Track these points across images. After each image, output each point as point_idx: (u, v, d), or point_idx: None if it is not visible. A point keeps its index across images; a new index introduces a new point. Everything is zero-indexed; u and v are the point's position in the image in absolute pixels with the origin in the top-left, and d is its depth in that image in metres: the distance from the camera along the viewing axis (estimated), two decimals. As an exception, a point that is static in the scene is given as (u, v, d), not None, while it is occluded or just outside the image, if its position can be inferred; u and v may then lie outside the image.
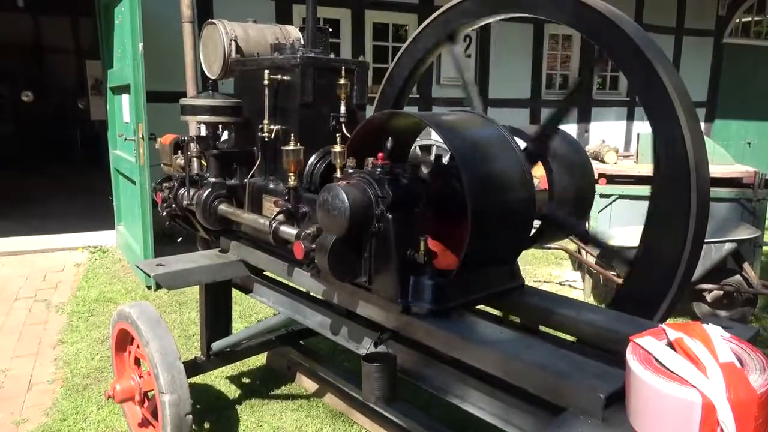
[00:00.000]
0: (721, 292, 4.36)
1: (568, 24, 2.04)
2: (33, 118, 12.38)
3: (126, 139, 5.26)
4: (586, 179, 2.21)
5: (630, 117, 10.01)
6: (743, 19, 10.93)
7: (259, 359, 3.68)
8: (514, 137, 1.94)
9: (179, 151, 2.81)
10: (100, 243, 6.37)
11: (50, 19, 13.25)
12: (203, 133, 2.67)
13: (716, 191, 4.60)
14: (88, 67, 10.19)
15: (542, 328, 2.00)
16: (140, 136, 4.80)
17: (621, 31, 1.85)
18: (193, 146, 2.61)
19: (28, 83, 12.52)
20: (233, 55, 2.61)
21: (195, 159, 2.63)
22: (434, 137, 6.88)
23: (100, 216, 6.82)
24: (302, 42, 2.58)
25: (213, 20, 2.69)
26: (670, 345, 1.23)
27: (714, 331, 1.23)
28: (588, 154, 5.74)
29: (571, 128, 9.28)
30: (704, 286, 4.33)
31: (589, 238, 2.89)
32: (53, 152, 12.19)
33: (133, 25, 4.67)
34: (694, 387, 1.10)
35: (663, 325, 1.30)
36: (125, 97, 5.28)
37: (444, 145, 1.88)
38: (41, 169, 11.12)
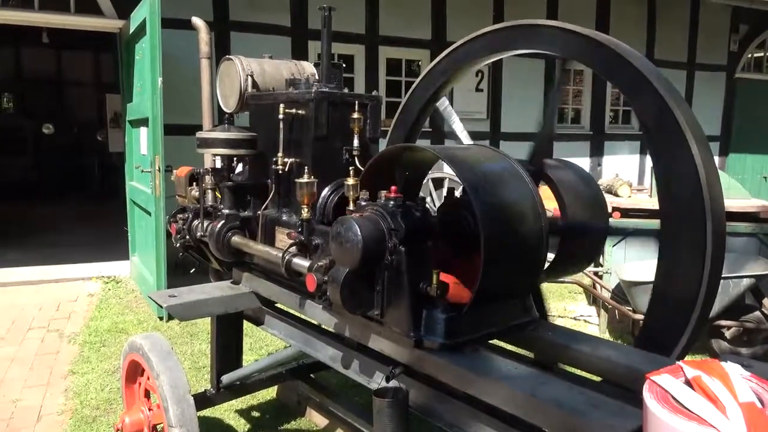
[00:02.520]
0: (741, 328, 4.27)
1: (579, 60, 2.06)
2: (53, 149, 12.66)
3: (143, 171, 5.34)
4: (599, 212, 2.20)
5: (643, 151, 10.00)
6: (755, 55, 10.98)
7: (270, 393, 3.64)
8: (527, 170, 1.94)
9: (194, 183, 2.85)
10: (113, 273, 6.42)
11: (73, 54, 13.66)
12: (218, 165, 2.71)
13: (733, 226, 4.55)
14: (108, 100, 10.44)
15: (557, 364, 1.97)
16: (157, 167, 4.88)
17: (631, 66, 1.87)
18: (208, 178, 2.65)
19: (49, 116, 12.84)
20: (249, 89, 2.67)
21: (210, 191, 2.66)
22: (446, 170, 6.92)
23: (115, 246, 6.89)
24: (317, 77, 2.63)
25: (230, 56, 2.76)
26: (688, 383, 1.20)
27: (733, 369, 1.20)
28: (601, 187, 5.71)
29: (584, 162, 9.29)
30: (723, 322, 4.24)
31: None
32: (71, 183, 12.41)
33: (153, 60, 4.80)
34: (714, 427, 1.07)
35: (680, 363, 1.27)
36: (143, 130, 5.39)
37: (456, 179, 1.90)
38: (59, 200, 11.31)
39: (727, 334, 4.31)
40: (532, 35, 2.15)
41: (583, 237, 2.13)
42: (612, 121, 10.04)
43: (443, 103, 2.63)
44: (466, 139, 2.58)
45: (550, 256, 2.08)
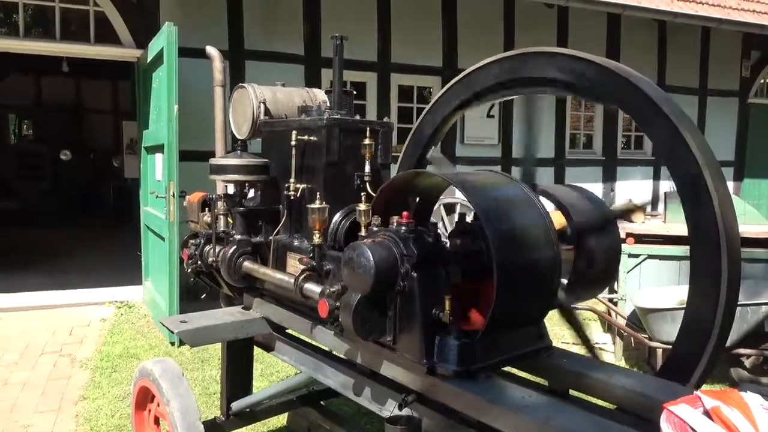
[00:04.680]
0: (761, 357, 4.17)
1: (587, 87, 2.07)
2: (69, 175, 12.85)
3: (157, 197, 5.40)
4: (612, 238, 2.18)
5: (656, 176, 9.96)
6: (768, 80, 10.98)
7: (280, 420, 3.60)
8: (538, 196, 1.94)
9: (207, 209, 2.87)
10: (126, 298, 6.45)
11: (91, 82, 13.98)
12: (230, 191, 2.73)
13: (750, 252, 4.49)
14: (124, 127, 10.63)
15: (572, 392, 1.93)
16: (171, 193, 4.93)
17: (643, 94, 1.87)
18: (220, 204, 2.67)
19: (67, 142, 13.07)
20: (262, 116, 2.70)
21: (222, 216, 2.68)
22: (458, 196, 6.92)
23: (128, 271, 6.93)
24: (328, 104, 2.67)
25: (243, 84, 2.81)
26: (707, 414, 1.18)
27: (753, 399, 1.18)
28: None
29: (596, 187, 9.25)
30: (742, 350, 4.15)
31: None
32: (87, 208, 12.56)
33: (169, 88, 4.90)
34: (736, 460, 1.04)
35: (699, 393, 1.24)
36: (158, 156, 5.47)
37: (468, 204, 1.90)
38: (74, 225, 11.43)
39: (747, 362, 4.21)
40: (542, 63, 2.16)
41: (595, 239, 2.09)
42: (624, 146, 10.02)
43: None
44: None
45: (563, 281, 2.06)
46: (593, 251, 2.09)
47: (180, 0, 6.76)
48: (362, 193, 2.08)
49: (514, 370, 2.02)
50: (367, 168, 2.35)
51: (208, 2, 6.99)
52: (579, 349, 5.09)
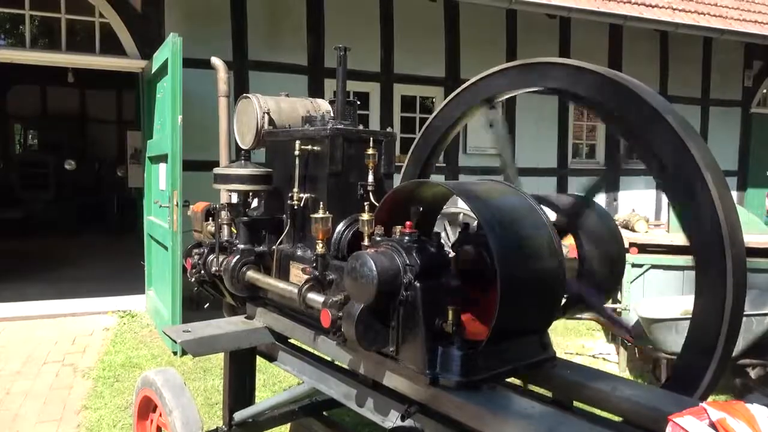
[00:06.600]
0: (767, 368, 4.14)
1: (592, 98, 2.08)
2: (74, 185, 12.91)
3: (161, 206, 5.42)
4: (616, 249, 2.18)
5: (659, 186, 9.95)
6: (771, 90, 10.99)
7: (282, 431, 3.58)
8: (541, 205, 1.94)
9: (210, 218, 2.87)
10: (129, 307, 6.45)
11: (96, 92, 14.08)
12: (234, 200, 2.74)
13: (754, 262, 4.47)
14: (128, 137, 10.69)
15: (576, 403, 1.92)
16: (175, 203, 4.95)
17: (644, 102, 1.87)
18: (224, 213, 2.67)
19: (71, 152, 13.14)
20: (266, 127, 2.72)
21: (225, 226, 2.68)
22: (461, 205, 6.93)
23: (131, 281, 6.93)
24: (332, 114, 2.68)
25: (248, 94, 2.82)
26: (712, 426, 1.17)
27: (759, 411, 1.17)
28: (618, 222, 5.68)
29: (599, 197, 9.25)
30: (747, 361, 4.13)
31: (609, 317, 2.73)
32: (91, 218, 12.60)
33: (173, 98, 4.93)
34: (742, 472, 1.03)
35: (704, 404, 1.23)
36: (162, 166, 5.49)
37: (471, 214, 1.90)
38: (78, 234, 11.46)
39: (752, 373, 4.18)
40: (545, 73, 2.17)
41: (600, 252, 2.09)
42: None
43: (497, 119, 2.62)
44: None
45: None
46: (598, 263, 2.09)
47: (185, 11, 6.82)
48: (365, 203, 2.08)
49: (518, 381, 2.01)
50: (370, 178, 2.36)
51: (212, 13, 7.05)
52: (582, 360, 5.07)
